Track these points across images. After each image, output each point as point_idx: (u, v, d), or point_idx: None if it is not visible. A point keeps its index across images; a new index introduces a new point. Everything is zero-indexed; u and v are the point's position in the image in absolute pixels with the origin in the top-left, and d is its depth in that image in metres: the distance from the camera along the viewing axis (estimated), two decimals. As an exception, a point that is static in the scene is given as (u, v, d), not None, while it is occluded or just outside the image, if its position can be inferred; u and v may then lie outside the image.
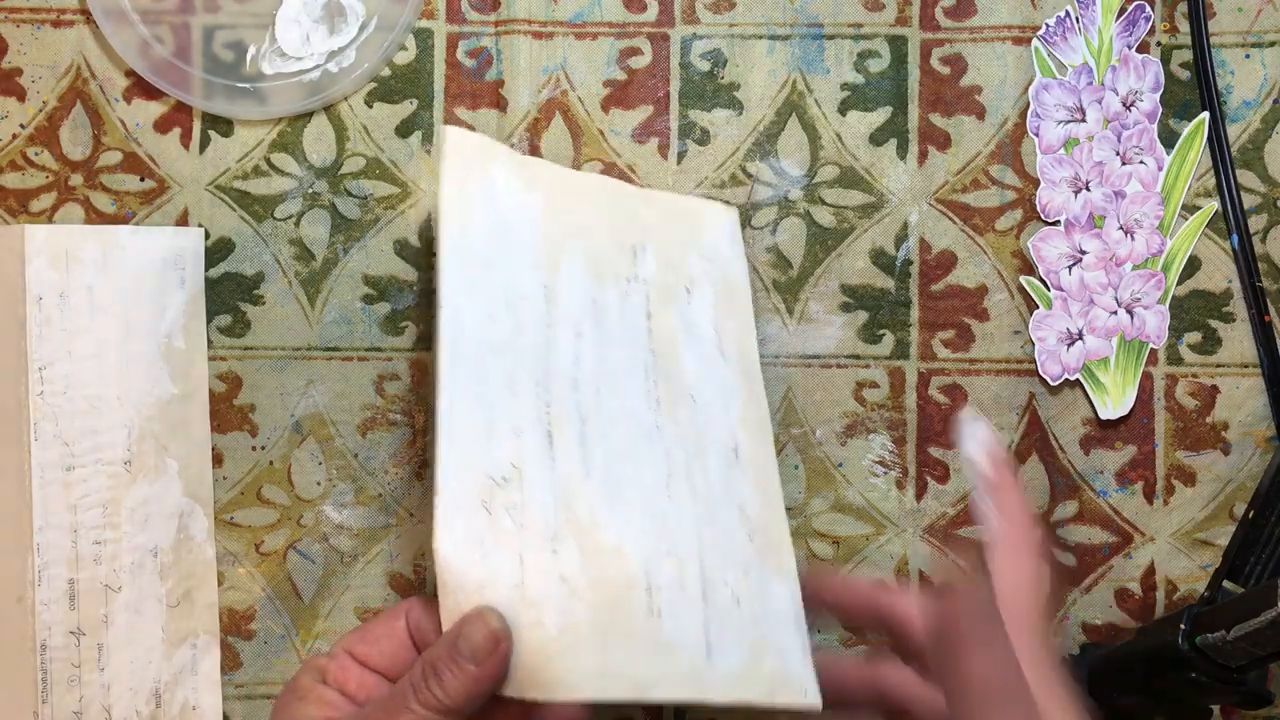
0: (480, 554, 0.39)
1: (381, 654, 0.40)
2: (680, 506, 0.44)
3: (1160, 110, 0.52)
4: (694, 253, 0.49)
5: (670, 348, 0.47)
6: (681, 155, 0.52)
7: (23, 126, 0.52)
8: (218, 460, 0.52)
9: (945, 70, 0.52)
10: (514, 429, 0.42)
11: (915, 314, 0.52)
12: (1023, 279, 0.52)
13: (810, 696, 0.43)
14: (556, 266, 0.46)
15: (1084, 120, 0.51)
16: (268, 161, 0.52)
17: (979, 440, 0.46)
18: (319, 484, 0.52)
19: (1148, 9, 0.52)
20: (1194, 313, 0.52)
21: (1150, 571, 0.52)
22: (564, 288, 0.45)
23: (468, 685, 0.37)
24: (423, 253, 0.52)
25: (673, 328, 0.47)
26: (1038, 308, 0.52)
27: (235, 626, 0.52)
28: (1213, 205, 0.52)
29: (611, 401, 0.44)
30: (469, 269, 0.43)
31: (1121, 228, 0.51)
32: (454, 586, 0.39)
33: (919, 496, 0.52)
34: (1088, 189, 0.51)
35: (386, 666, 0.40)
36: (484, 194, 0.45)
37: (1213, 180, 0.52)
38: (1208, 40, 0.51)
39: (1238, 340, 0.52)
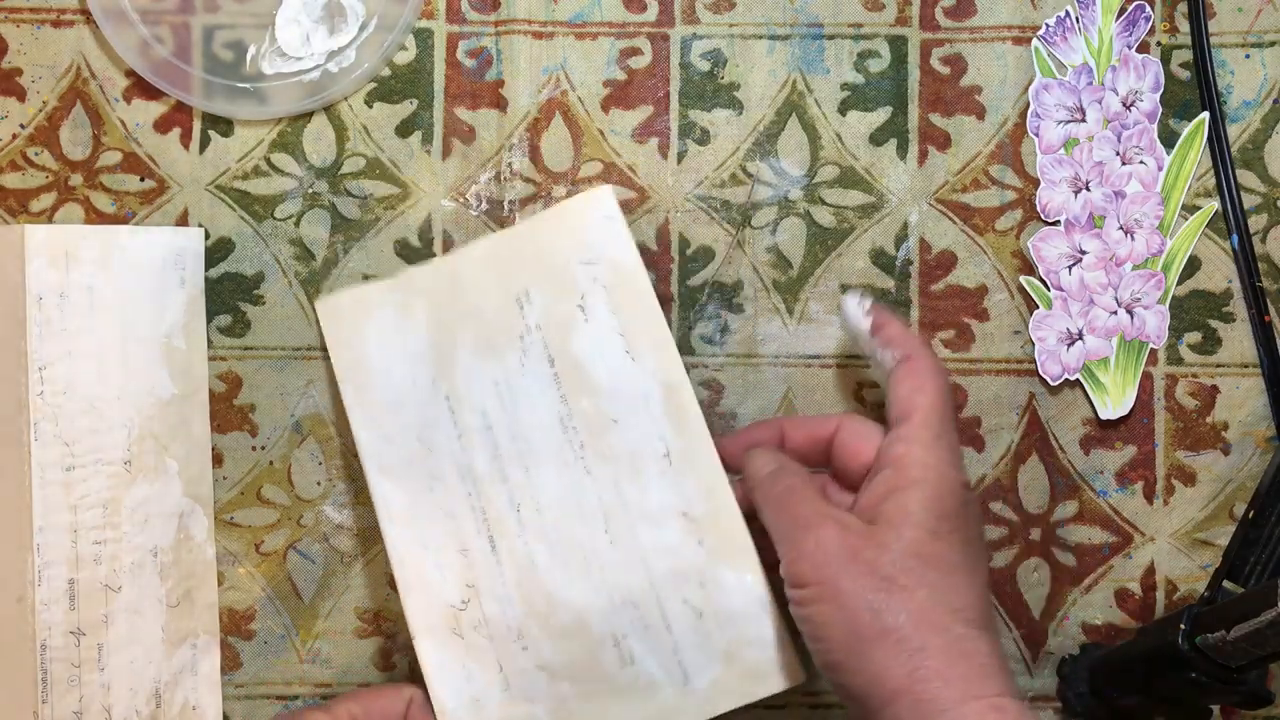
0: (466, 675, 0.47)
1: None
2: (623, 547, 0.47)
3: (1160, 110, 0.52)
4: (577, 262, 0.49)
5: (580, 380, 0.48)
6: (681, 155, 0.52)
7: (23, 126, 0.52)
8: (218, 460, 0.52)
9: (945, 70, 0.52)
10: (459, 548, 0.48)
11: (915, 314, 0.52)
12: (1023, 279, 0.52)
13: (791, 678, 0.46)
14: (452, 369, 0.49)
15: (1084, 120, 0.51)
16: (268, 161, 0.52)
17: (853, 306, 0.46)
18: (319, 484, 0.52)
19: (1148, 9, 0.52)
20: (1194, 313, 0.52)
21: (1150, 571, 0.52)
22: (464, 387, 0.49)
23: None
24: (423, 253, 0.52)
25: (577, 358, 0.48)
26: (1038, 308, 0.52)
27: (235, 626, 0.52)
28: (1213, 205, 0.52)
29: (537, 472, 0.48)
30: (377, 423, 0.49)
31: (1121, 228, 0.51)
32: (452, 712, 0.46)
33: (919, 496, 0.52)
34: (1088, 189, 0.51)
35: None
36: (366, 347, 0.49)
37: (1213, 180, 0.52)
38: (1208, 40, 0.51)
39: (1238, 340, 0.52)
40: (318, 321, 0.51)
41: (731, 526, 0.47)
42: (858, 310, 0.46)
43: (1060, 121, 0.52)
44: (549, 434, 0.48)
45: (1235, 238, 0.51)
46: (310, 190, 0.52)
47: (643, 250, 0.50)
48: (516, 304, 0.49)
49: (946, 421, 0.43)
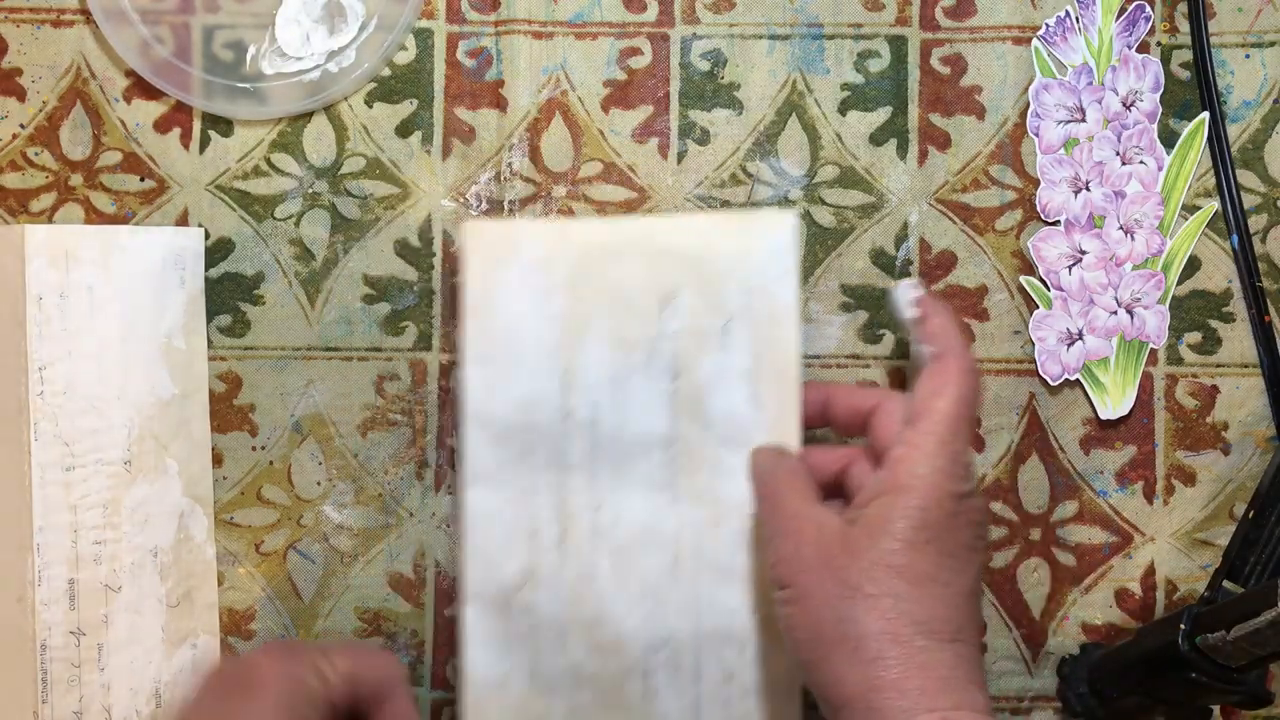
0: (501, 652, 0.47)
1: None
2: (683, 590, 0.47)
3: (1160, 110, 0.52)
4: (735, 283, 0.47)
5: (696, 408, 0.47)
6: (681, 155, 0.52)
7: (23, 126, 0.52)
8: (218, 460, 0.52)
9: (945, 70, 0.52)
10: (530, 532, 0.47)
11: (915, 314, 0.52)
12: (1023, 279, 0.52)
13: None
14: (577, 348, 0.47)
15: (1084, 120, 0.51)
16: (268, 161, 0.52)
17: (902, 295, 0.45)
18: (319, 484, 0.52)
19: (1148, 9, 0.52)
20: (1194, 313, 0.52)
21: (1150, 571, 0.52)
22: (583, 372, 0.47)
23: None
24: (423, 253, 0.52)
25: (701, 383, 0.47)
26: (1038, 308, 0.52)
27: (235, 626, 0.52)
28: (1213, 205, 0.52)
29: (626, 486, 0.47)
30: (488, 370, 0.47)
31: (1121, 228, 0.51)
32: (479, 682, 0.47)
33: (919, 496, 0.52)
34: (1088, 189, 0.51)
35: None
36: (501, 288, 0.47)
37: (1213, 180, 0.52)
38: (1208, 40, 0.51)
39: (1238, 340, 0.52)
40: (453, 251, 0.50)
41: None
42: (906, 300, 0.45)
43: (1060, 121, 0.52)
44: (649, 450, 0.47)
45: (1235, 238, 0.51)
46: (310, 190, 0.52)
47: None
48: (659, 303, 0.47)
49: (957, 429, 0.42)
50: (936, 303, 0.45)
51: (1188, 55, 0.52)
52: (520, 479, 0.47)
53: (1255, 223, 0.52)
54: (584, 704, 0.47)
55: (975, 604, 0.42)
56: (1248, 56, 0.52)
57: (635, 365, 0.47)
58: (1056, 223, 0.52)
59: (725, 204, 0.52)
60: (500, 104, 0.52)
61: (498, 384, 0.47)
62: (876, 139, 0.52)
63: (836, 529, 0.41)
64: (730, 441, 0.46)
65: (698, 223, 0.48)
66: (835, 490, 0.46)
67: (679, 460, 0.47)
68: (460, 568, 0.47)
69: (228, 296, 0.52)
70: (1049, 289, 0.51)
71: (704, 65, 0.52)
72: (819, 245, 0.52)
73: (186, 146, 0.52)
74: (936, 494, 0.41)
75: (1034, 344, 0.51)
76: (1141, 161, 0.51)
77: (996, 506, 0.52)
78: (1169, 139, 0.52)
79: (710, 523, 0.47)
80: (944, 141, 0.52)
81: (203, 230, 0.52)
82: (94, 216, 0.52)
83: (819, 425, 0.47)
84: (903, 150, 0.52)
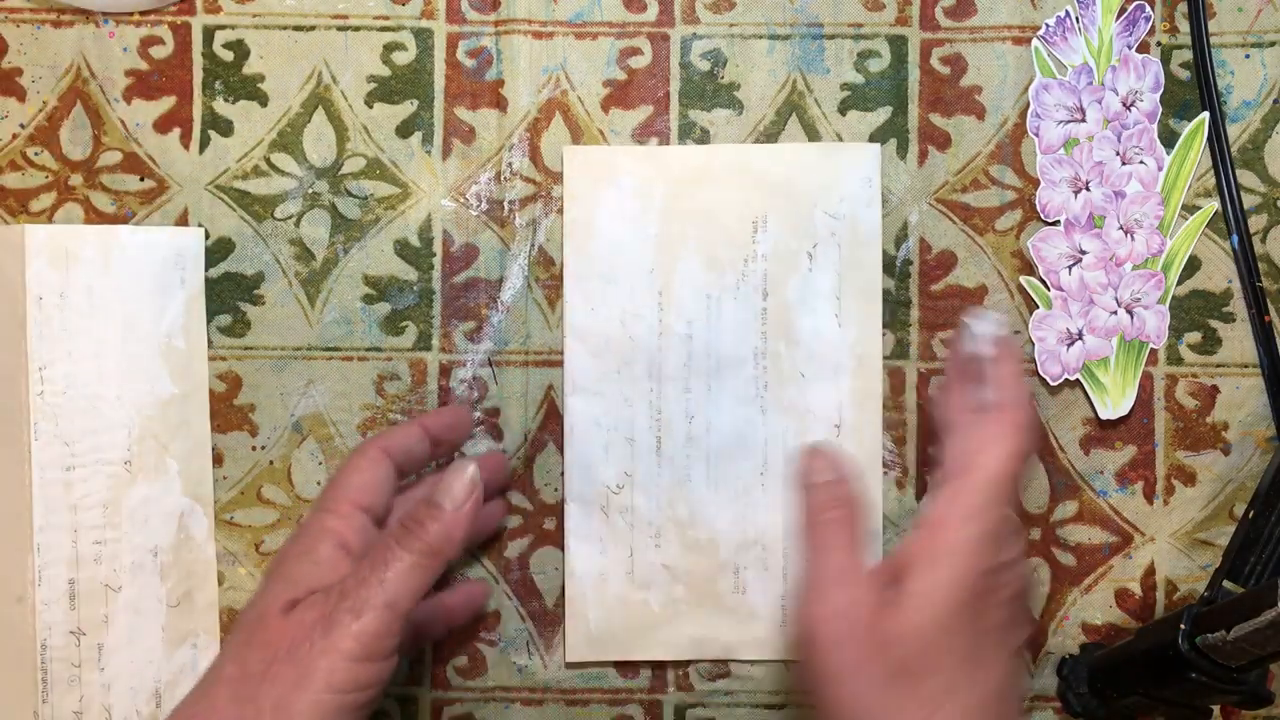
0: (600, 550, 0.51)
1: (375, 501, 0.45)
2: (771, 493, 0.51)
3: (1160, 110, 0.51)
4: (822, 209, 0.51)
5: (784, 327, 0.51)
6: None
7: (23, 126, 0.52)
8: (218, 460, 0.52)
9: (945, 70, 0.52)
10: (627, 438, 0.51)
11: (915, 314, 0.52)
12: (1023, 279, 0.52)
13: None
14: (673, 266, 0.51)
15: (1084, 120, 0.51)
16: (268, 161, 0.52)
17: (988, 335, 0.43)
18: (319, 484, 0.52)
19: (1148, 9, 0.52)
20: (1194, 313, 0.52)
21: (1150, 571, 0.52)
22: (678, 289, 0.51)
23: (446, 528, 0.41)
24: (423, 253, 0.52)
25: (790, 303, 0.51)
26: (1038, 308, 0.52)
27: (235, 626, 0.52)
28: (1213, 205, 0.52)
29: (719, 397, 0.51)
30: (588, 288, 0.51)
31: (1121, 228, 0.51)
32: (580, 574, 0.51)
33: (919, 496, 0.52)
34: (1088, 189, 0.51)
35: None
36: (600, 211, 0.51)
37: (1213, 180, 0.52)
38: (1208, 40, 0.51)
39: (1238, 340, 0.52)
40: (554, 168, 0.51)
41: (868, 513, 0.50)
42: (985, 335, 0.43)
43: (1060, 121, 0.52)
44: (741, 365, 0.51)
45: (1235, 238, 0.51)
46: (310, 190, 0.52)
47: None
48: (751, 227, 0.50)
49: (999, 493, 0.40)
50: (1015, 347, 0.43)
51: (1188, 55, 0.52)
52: (618, 390, 0.51)
53: (1255, 223, 0.52)
54: (677, 598, 0.51)
55: (1015, 687, 0.40)
56: (1248, 56, 0.52)
57: (727, 285, 0.51)
58: (1056, 223, 0.52)
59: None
60: (500, 104, 0.52)
61: (596, 301, 0.51)
62: (876, 139, 0.52)
63: (871, 603, 0.39)
64: (816, 358, 0.51)
65: (787, 152, 0.51)
66: None
67: (768, 374, 0.51)
68: (564, 471, 0.51)
69: (228, 296, 0.52)
70: (1049, 289, 0.51)
71: (704, 65, 0.52)
72: (819, 245, 0.52)
73: (186, 146, 0.52)
74: (971, 572, 0.39)
75: (1034, 344, 0.51)
76: (1141, 161, 0.51)
77: (996, 506, 0.52)
78: (1169, 139, 0.52)
79: (796, 433, 0.51)
80: (944, 141, 0.52)
81: (203, 230, 0.52)
82: (94, 216, 0.52)
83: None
84: (903, 150, 0.52)
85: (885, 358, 0.52)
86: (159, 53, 0.52)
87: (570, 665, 0.52)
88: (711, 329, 0.51)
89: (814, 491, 0.42)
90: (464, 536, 0.42)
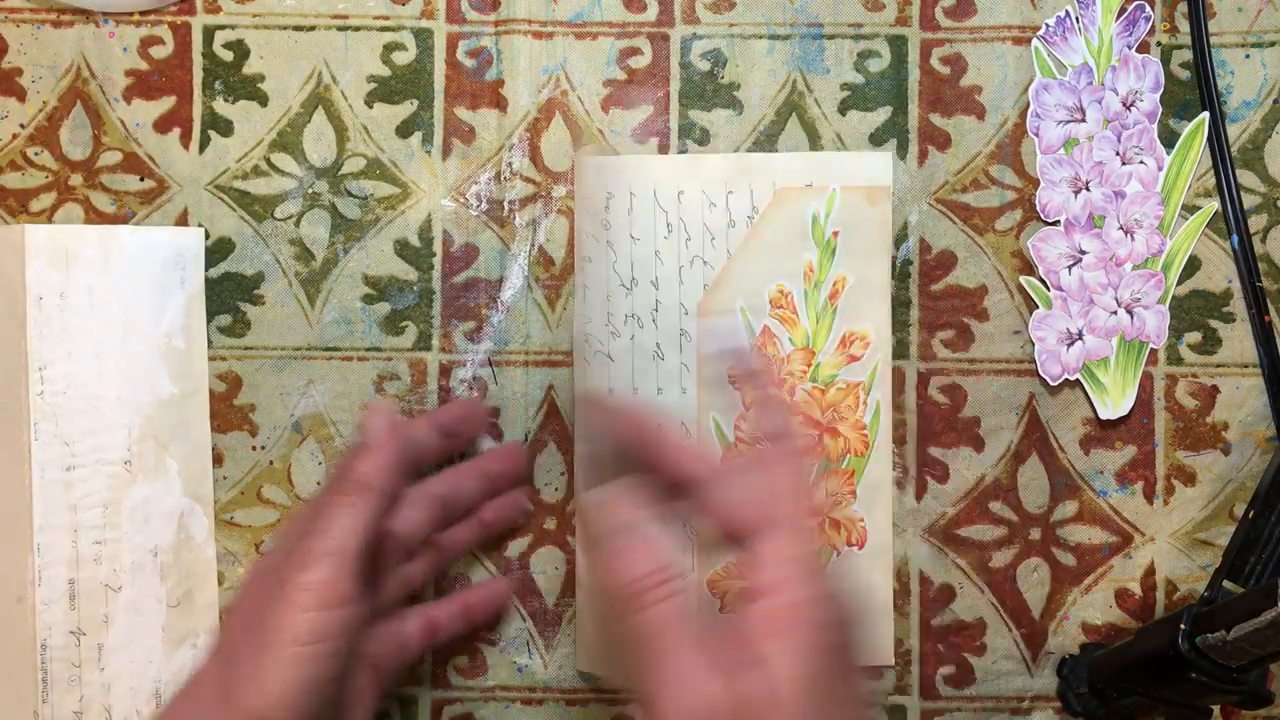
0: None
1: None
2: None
3: (1160, 110, 0.51)
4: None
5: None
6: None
7: (23, 126, 0.52)
8: (218, 460, 0.52)
9: (945, 70, 0.52)
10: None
11: (915, 314, 0.52)
12: (1023, 279, 0.52)
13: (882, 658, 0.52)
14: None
15: (1084, 120, 0.51)
16: (268, 161, 0.52)
17: (726, 346, 0.44)
18: (319, 484, 0.52)
19: (1148, 9, 0.52)
20: (1194, 313, 0.52)
21: (1150, 571, 0.52)
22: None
23: (372, 461, 0.43)
24: (423, 253, 0.52)
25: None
26: (1038, 308, 0.52)
27: (235, 626, 0.52)
28: (1213, 205, 0.52)
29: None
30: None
31: (1121, 228, 0.51)
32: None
33: (919, 496, 0.52)
34: (1088, 189, 0.51)
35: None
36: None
37: (1213, 180, 0.52)
38: (1208, 40, 0.51)
39: (1238, 340, 0.52)
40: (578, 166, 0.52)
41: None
42: (730, 346, 0.43)
43: (1060, 121, 0.52)
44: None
45: (1235, 238, 0.51)
46: (310, 190, 0.52)
47: (643, 250, 0.50)
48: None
49: (808, 535, 0.38)
50: (756, 358, 0.43)
51: (1188, 55, 0.52)
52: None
53: (1255, 223, 0.52)
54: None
55: None
56: (1248, 56, 0.52)
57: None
58: (1056, 223, 0.52)
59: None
60: (500, 104, 0.52)
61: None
62: (877, 139, 0.52)
63: (731, 698, 0.36)
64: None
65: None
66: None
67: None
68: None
69: (228, 296, 0.52)
70: (1049, 289, 0.51)
71: (704, 65, 0.52)
72: (819, 245, 0.52)
73: (186, 146, 0.52)
74: (824, 633, 0.37)
75: (1034, 344, 0.51)
76: (1141, 161, 0.51)
77: (996, 506, 0.52)
78: (1169, 139, 0.52)
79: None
80: (944, 141, 0.52)
81: (203, 230, 0.52)
82: (94, 216, 0.52)
83: (641, 464, 0.42)
84: (903, 150, 0.52)
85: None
86: (159, 53, 0.52)
87: (582, 675, 0.52)
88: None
89: (637, 587, 0.38)
90: (393, 464, 0.43)
